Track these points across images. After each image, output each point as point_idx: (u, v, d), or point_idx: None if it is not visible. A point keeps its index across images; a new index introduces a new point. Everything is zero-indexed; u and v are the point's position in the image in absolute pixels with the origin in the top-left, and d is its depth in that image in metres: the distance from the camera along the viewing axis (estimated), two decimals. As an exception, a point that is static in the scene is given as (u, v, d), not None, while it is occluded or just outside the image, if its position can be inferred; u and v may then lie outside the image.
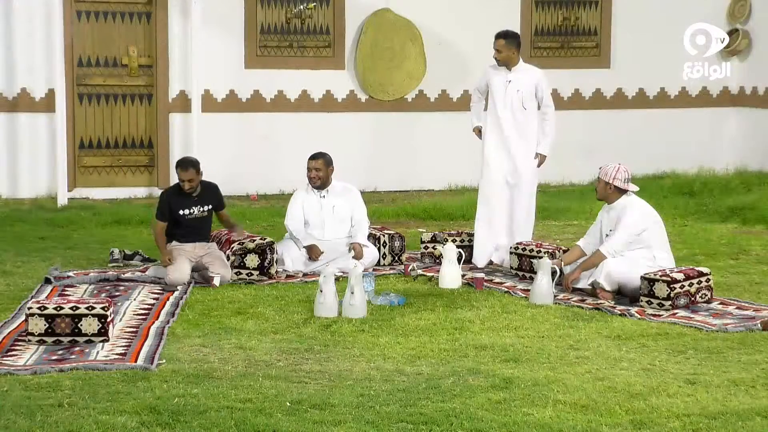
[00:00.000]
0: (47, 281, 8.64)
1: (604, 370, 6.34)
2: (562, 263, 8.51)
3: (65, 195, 12.46)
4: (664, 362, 6.55)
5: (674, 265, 8.42)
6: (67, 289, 8.48)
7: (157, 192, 12.26)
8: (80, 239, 10.71)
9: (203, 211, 8.98)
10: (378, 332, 7.24)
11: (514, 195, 9.50)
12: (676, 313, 7.80)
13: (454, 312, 7.83)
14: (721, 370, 6.35)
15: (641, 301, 8.04)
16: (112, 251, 9.62)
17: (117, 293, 8.36)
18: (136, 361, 6.42)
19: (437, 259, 9.37)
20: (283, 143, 13.41)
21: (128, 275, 8.93)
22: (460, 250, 8.92)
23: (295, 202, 9.51)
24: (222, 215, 9.16)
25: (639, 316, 7.73)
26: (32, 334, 6.84)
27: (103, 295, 8.24)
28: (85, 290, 8.47)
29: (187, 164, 8.95)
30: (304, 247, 9.27)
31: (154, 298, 8.20)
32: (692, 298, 8.01)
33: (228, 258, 8.89)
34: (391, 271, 9.35)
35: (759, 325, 7.34)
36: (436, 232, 9.98)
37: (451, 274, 8.77)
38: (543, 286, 8.19)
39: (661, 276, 7.99)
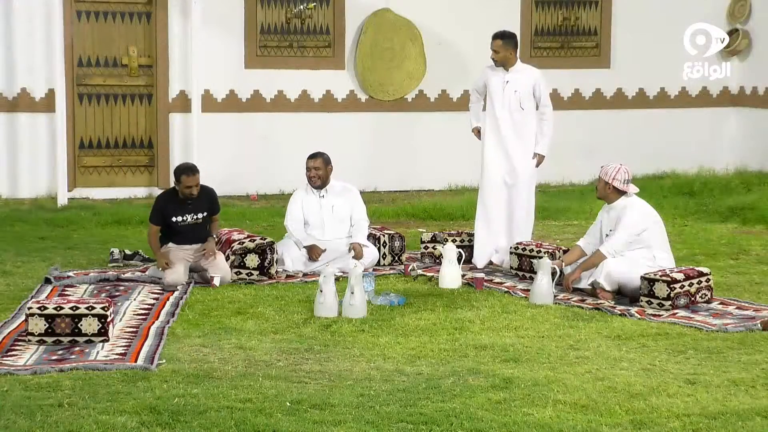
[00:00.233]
0: (47, 281, 8.64)
1: (604, 370, 6.34)
2: (563, 263, 8.51)
3: (65, 195, 12.46)
4: (664, 362, 6.55)
5: (674, 265, 8.42)
6: (67, 289, 8.48)
7: (157, 192, 12.26)
8: (80, 239, 10.71)
9: (197, 218, 8.93)
10: (378, 332, 7.24)
11: (512, 195, 9.50)
12: (676, 313, 7.80)
13: (454, 312, 7.83)
14: (721, 370, 6.35)
15: (641, 301, 8.04)
16: (112, 251, 9.62)
17: (117, 293, 8.36)
18: (136, 361, 6.42)
19: (437, 259, 9.37)
20: (283, 143, 13.41)
21: (128, 275, 8.93)
22: (460, 250, 8.92)
23: (295, 202, 9.51)
24: (212, 221, 9.10)
25: (639, 316, 7.73)
26: (32, 334, 6.84)
27: (103, 295, 8.25)
28: (85, 290, 8.47)
29: (194, 169, 8.88)
30: (304, 247, 9.27)
31: (154, 298, 8.20)
32: (692, 298, 8.01)
33: (228, 258, 8.89)
34: (391, 271, 9.35)
35: (759, 325, 7.34)
36: (436, 232, 9.99)
37: (451, 274, 8.77)
38: (543, 286, 8.19)
39: (661, 276, 7.99)
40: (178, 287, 8.49)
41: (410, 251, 9.96)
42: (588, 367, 6.41)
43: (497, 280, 9.05)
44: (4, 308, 7.77)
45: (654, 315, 7.76)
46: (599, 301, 8.12)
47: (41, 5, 12.63)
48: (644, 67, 14.53)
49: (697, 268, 8.29)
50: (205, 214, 8.97)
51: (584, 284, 8.37)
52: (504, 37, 9.40)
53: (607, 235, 8.39)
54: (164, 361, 6.45)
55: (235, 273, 8.86)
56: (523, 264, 9.11)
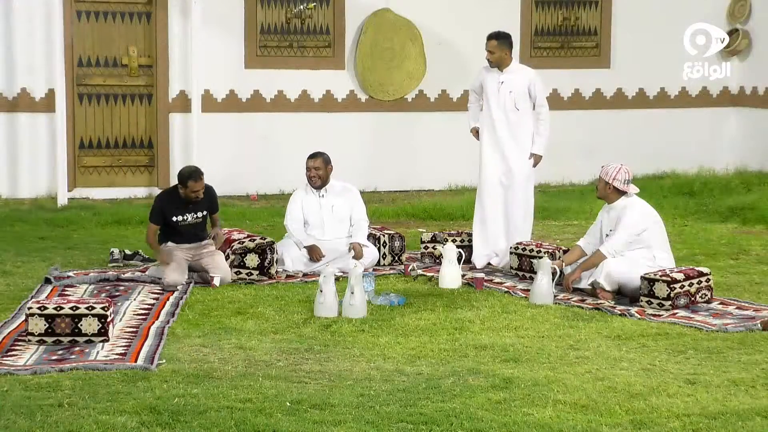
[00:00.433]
0: (47, 281, 8.64)
1: (604, 370, 6.34)
2: (563, 264, 8.51)
3: (65, 195, 12.46)
4: (664, 362, 6.55)
5: (674, 265, 8.42)
6: (67, 289, 8.48)
7: (157, 192, 12.25)
8: (80, 239, 10.71)
9: (197, 217, 8.94)
10: (378, 332, 7.24)
11: (508, 196, 9.49)
12: (676, 313, 7.79)
13: (454, 312, 7.83)
14: (721, 370, 6.35)
15: (641, 301, 8.04)
16: (112, 251, 9.62)
17: (117, 293, 8.36)
18: (136, 361, 6.42)
19: (437, 259, 9.37)
20: (283, 143, 13.41)
21: (128, 275, 8.93)
22: (460, 250, 8.92)
23: (295, 202, 9.50)
24: (213, 219, 9.11)
25: (639, 316, 7.73)
26: (32, 334, 6.84)
27: (103, 295, 8.24)
28: (85, 290, 8.47)
29: (201, 174, 8.84)
30: (304, 247, 9.27)
31: (154, 298, 8.20)
32: (692, 298, 8.01)
33: (228, 257, 8.89)
34: (391, 271, 9.35)
35: (759, 325, 7.34)
36: (436, 232, 9.99)
37: (451, 274, 8.77)
38: (543, 286, 8.19)
39: (661, 276, 7.99)
40: (178, 287, 8.49)
41: (410, 251, 9.96)
42: (588, 367, 6.41)
43: (497, 280, 9.05)
44: (4, 308, 7.77)
45: (654, 315, 7.75)
46: (599, 301, 8.12)
47: (41, 5, 12.63)
48: (644, 67, 14.53)
49: (697, 268, 8.28)
50: (204, 212, 8.98)
51: (584, 284, 8.37)
52: (499, 38, 9.39)
53: (607, 235, 8.39)
54: (164, 361, 6.45)
55: (235, 273, 8.86)
56: (523, 264, 9.11)
